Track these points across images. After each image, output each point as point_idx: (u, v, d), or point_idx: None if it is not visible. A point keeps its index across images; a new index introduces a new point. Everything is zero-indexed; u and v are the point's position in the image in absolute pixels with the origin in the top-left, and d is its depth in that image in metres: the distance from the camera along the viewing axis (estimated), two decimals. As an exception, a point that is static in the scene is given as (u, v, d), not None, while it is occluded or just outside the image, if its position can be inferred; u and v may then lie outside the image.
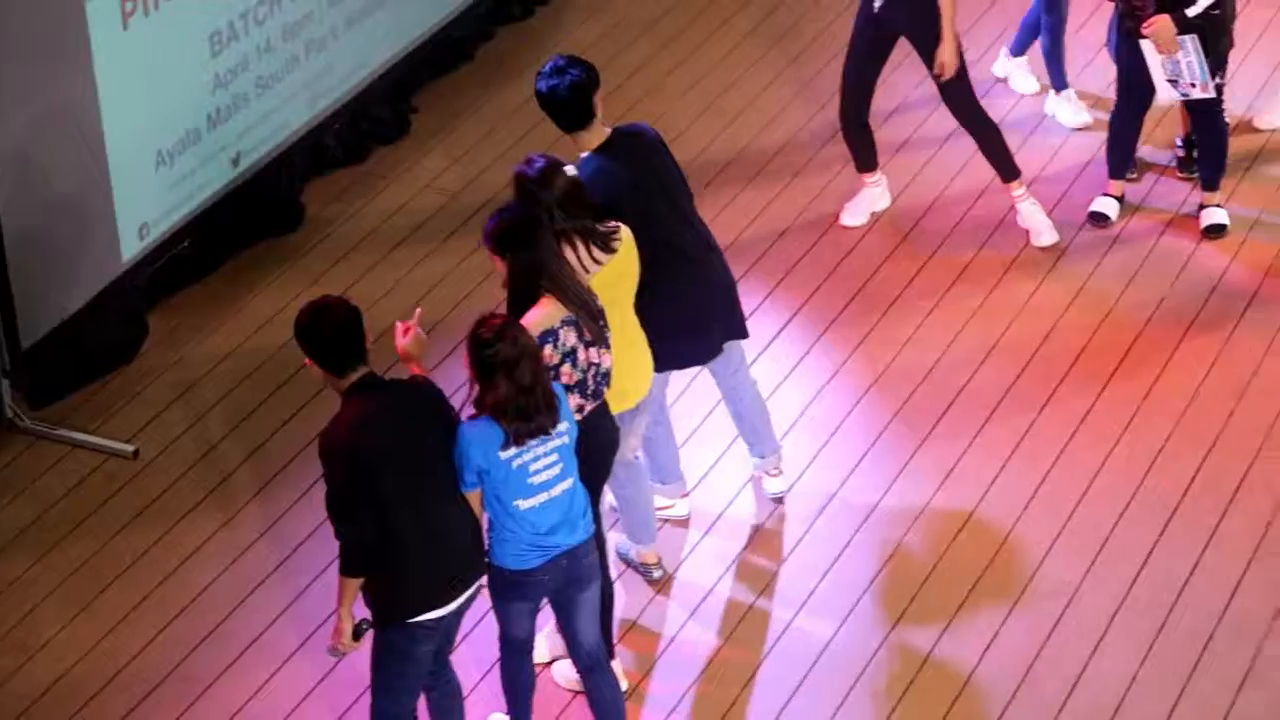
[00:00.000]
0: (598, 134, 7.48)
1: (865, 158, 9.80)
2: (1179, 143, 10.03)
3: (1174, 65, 9.19)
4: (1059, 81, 10.38)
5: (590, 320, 6.84)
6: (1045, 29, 10.22)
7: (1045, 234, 9.63)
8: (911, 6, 9.22)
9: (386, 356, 7.44)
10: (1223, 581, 7.87)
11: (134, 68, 8.67)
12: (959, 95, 9.46)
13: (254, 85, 9.38)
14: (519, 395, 6.45)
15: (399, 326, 6.81)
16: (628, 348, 7.26)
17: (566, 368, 6.81)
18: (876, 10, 9.28)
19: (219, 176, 9.34)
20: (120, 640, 7.76)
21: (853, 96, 9.59)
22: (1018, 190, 9.66)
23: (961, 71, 9.37)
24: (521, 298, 6.81)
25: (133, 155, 8.79)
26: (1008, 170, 9.63)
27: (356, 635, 6.60)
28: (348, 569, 6.43)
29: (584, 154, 7.49)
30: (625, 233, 7.18)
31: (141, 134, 8.83)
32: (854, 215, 9.89)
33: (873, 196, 9.90)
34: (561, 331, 6.78)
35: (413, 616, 6.52)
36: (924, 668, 7.57)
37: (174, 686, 7.56)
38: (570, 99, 7.38)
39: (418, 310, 6.99)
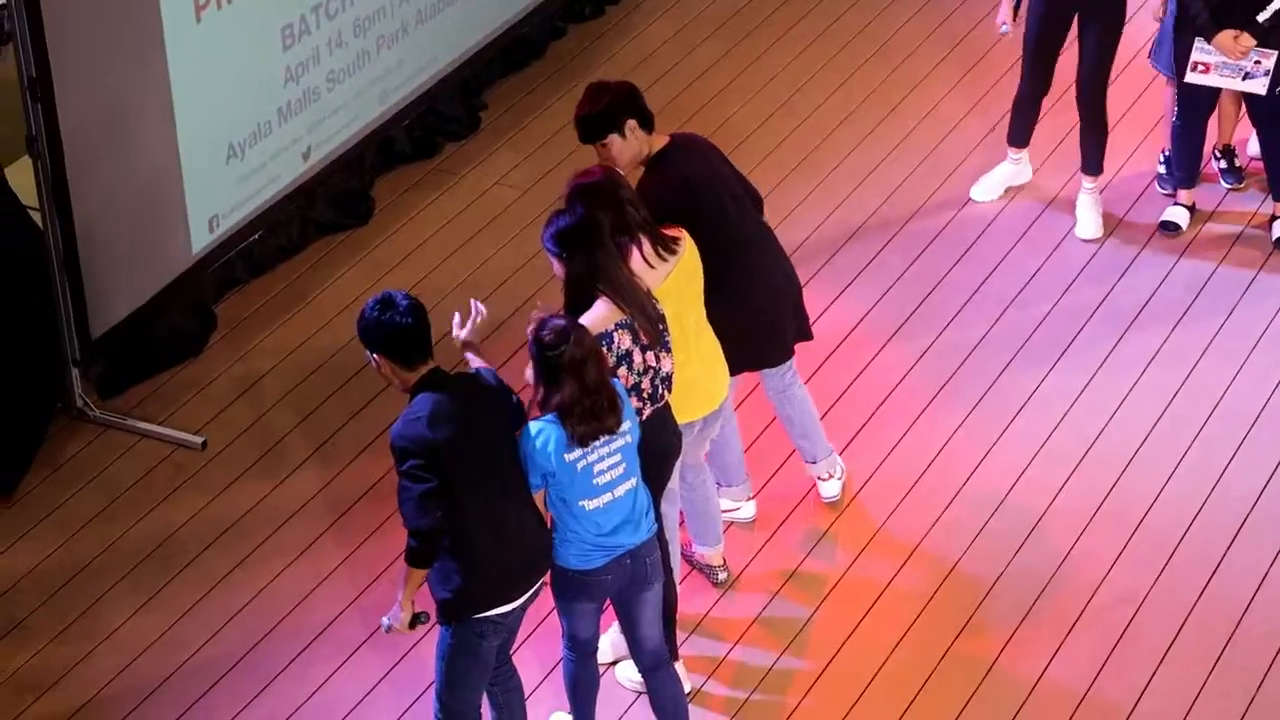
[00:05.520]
0: (657, 140, 7.47)
1: (1019, 132, 9.83)
2: (1229, 152, 9.96)
3: (1234, 68, 9.14)
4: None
5: (648, 323, 6.82)
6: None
7: (1089, 227, 9.65)
8: None
9: (452, 353, 7.42)
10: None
11: (206, 60, 8.69)
12: (1098, 82, 9.46)
13: (325, 80, 9.40)
14: (585, 396, 6.44)
15: (456, 319, 6.84)
16: (706, 353, 7.26)
17: (622, 370, 6.79)
18: None
19: (289, 170, 9.37)
20: (187, 630, 7.79)
21: (1031, 73, 9.60)
22: (1089, 183, 9.69)
23: (1111, 57, 9.38)
24: (577, 300, 6.80)
25: (204, 148, 8.82)
26: (1095, 165, 9.67)
27: (412, 625, 6.63)
28: (415, 561, 6.43)
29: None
30: (686, 237, 7.17)
31: (213, 126, 8.85)
32: (986, 190, 9.92)
33: (1008, 173, 9.93)
34: (616, 334, 6.77)
35: (483, 611, 6.53)
36: (987, 677, 7.54)
37: (240, 677, 7.58)
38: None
39: (474, 302, 6.95)
